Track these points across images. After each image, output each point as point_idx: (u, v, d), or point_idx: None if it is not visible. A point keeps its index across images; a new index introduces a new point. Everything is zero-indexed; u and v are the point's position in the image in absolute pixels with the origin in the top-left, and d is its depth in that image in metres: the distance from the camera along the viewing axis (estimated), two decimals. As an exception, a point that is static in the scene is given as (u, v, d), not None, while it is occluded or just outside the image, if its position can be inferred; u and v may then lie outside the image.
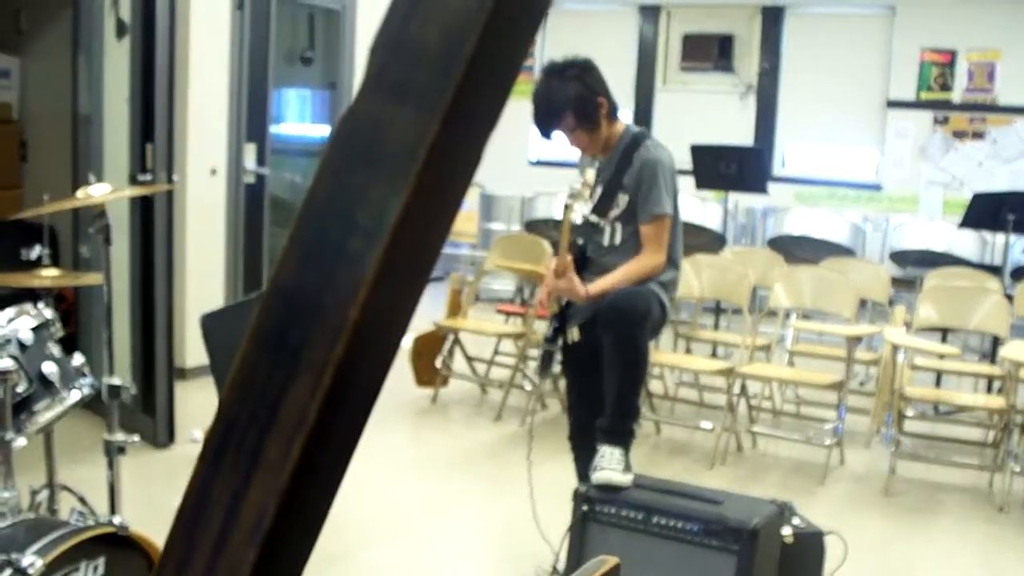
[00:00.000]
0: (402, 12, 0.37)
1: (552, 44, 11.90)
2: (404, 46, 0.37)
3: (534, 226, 9.23)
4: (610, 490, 3.73)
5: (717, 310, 7.63)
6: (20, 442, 2.75)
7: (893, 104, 10.74)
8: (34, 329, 2.86)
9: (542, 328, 6.46)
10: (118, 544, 2.75)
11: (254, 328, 0.37)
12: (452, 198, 0.38)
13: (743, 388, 6.21)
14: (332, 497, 0.40)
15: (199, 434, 5.52)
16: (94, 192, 3.30)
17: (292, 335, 0.35)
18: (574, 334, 4.01)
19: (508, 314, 7.53)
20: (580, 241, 3.99)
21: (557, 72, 3.90)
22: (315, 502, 0.37)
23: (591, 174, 3.83)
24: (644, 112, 11.75)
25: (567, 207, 3.84)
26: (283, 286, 0.36)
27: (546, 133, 3.97)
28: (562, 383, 5.96)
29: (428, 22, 0.36)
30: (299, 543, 0.37)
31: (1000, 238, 7.93)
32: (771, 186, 9.24)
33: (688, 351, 7.07)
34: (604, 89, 3.95)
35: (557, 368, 4.46)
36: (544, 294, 4.09)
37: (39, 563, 2.45)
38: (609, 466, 3.75)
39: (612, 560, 1.08)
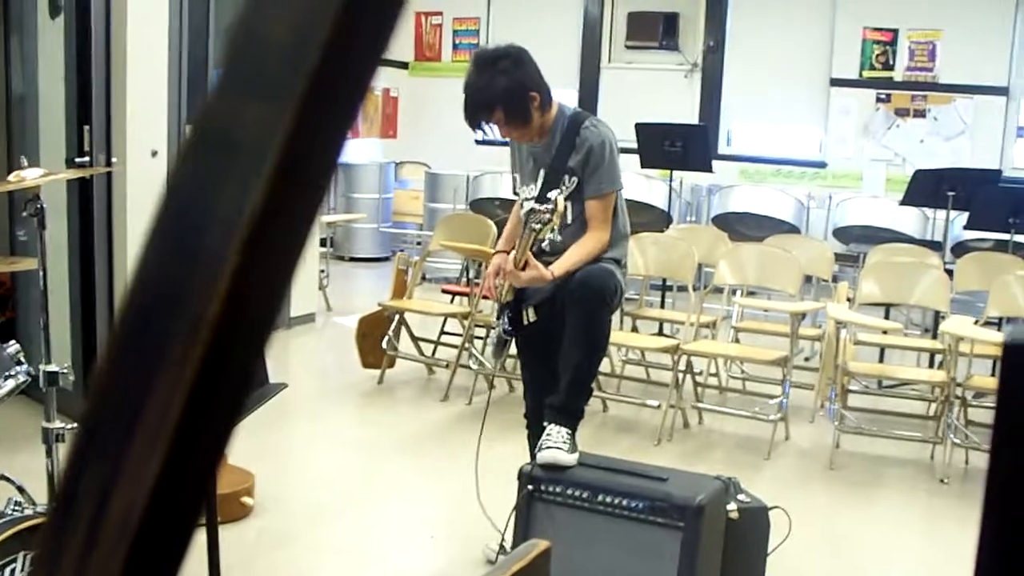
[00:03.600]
0: (252, 4, 0.35)
1: (497, 20, 11.89)
2: (254, 38, 0.35)
3: (479, 205, 9.22)
4: (556, 469, 3.73)
5: (663, 288, 7.66)
6: (-46, 431, 2.70)
7: (836, 82, 10.82)
8: (-34, 315, 2.80)
9: (487, 308, 6.45)
10: (57, 532, 2.71)
11: (118, 323, 0.35)
12: (313, 191, 0.37)
13: (689, 365, 6.24)
14: (203, 492, 0.38)
15: (142, 419, 5.46)
16: (27, 175, 3.24)
17: (153, 331, 0.34)
18: (530, 314, 3.98)
19: (453, 294, 7.51)
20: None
21: (488, 63, 3.75)
22: (186, 498, 0.35)
23: (561, 202, 3.68)
24: (589, 90, 11.75)
25: (534, 231, 3.69)
26: (143, 281, 0.35)
27: (475, 125, 3.86)
28: (510, 363, 5.96)
29: (278, 14, 0.35)
30: (172, 539, 0.36)
31: (941, 214, 8.03)
32: (716, 164, 9.28)
33: (635, 329, 7.09)
34: (536, 82, 3.80)
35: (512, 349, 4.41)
36: (491, 279, 4.03)
37: (-26, 554, 2.41)
38: (555, 445, 3.75)
39: (543, 544, 1.07)
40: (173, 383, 0.33)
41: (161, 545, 0.34)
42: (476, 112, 3.76)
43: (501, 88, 3.69)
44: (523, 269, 3.78)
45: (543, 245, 3.90)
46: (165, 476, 0.33)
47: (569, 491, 3.70)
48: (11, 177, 3.25)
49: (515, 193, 4.16)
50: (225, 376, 0.34)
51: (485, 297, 5.58)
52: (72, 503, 0.35)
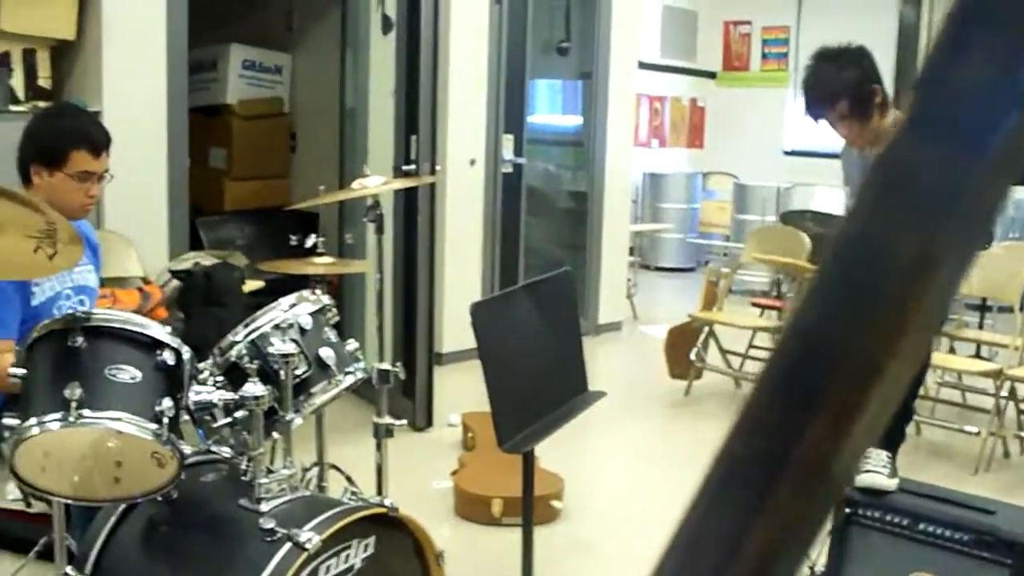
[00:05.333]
0: (948, 47, 0.35)
1: (807, 28, 11.60)
2: (947, 84, 0.35)
3: (790, 218, 9.03)
4: (875, 493, 3.61)
5: (982, 308, 7.27)
6: (297, 422, 2.87)
7: None
8: (312, 314, 2.97)
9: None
10: (387, 524, 2.83)
11: (770, 365, 0.36)
12: (972, 250, 0.37)
13: (1012, 391, 5.90)
14: (817, 535, 0.38)
15: (456, 418, 5.65)
16: (368, 183, 3.42)
17: (811, 376, 0.34)
18: None
19: (763, 307, 7.40)
20: None
21: (832, 57, 3.76)
22: (812, 539, 0.36)
23: None
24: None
25: None
26: (805, 324, 0.35)
27: (816, 117, 3.83)
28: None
29: (979, 61, 0.35)
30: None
31: None
32: (1044, 178, 8.72)
33: (951, 350, 6.77)
34: (880, 78, 3.78)
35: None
36: None
37: (316, 539, 2.54)
38: (875, 468, 3.63)
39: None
40: (830, 431, 0.33)
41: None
42: (820, 104, 3.73)
43: (848, 79, 3.67)
44: None
45: None
46: (808, 519, 0.34)
47: (888, 517, 3.57)
48: (355, 184, 3.45)
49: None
50: (868, 426, 0.34)
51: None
52: (699, 539, 0.36)
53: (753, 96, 11.89)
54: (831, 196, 9.33)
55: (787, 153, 11.66)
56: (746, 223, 10.26)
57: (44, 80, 5.39)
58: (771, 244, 6.85)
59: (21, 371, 2.52)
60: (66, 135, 3.25)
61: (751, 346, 6.92)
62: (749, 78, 12.13)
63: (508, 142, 7.15)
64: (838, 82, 3.69)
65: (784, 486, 0.34)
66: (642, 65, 8.94)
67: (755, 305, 7.61)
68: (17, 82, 5.27)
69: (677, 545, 0.38)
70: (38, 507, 3.91)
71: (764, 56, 12.16)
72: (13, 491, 4.35)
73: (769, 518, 0.34)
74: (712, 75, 12.36)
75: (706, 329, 6.67)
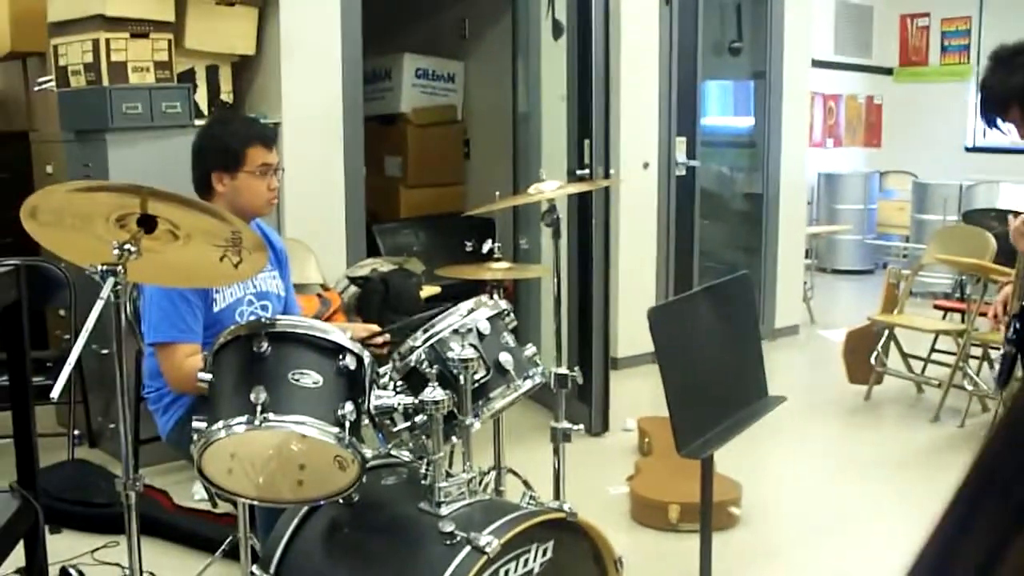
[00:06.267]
0: None
1: (990, 19, 11.17)
2: None
3: (974, 217, 8.71)
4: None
5: None
6: (476, 426, 2.88)
7: None
8: (490, 319, 2.98)
9: (983, 326, 6.07)
10: (566, 529, 2.82)
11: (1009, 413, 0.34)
12: None
13: None
14: None
15: (631, 423, 5.62)
16: (545, 188, 3.43)
17: None
18: None
19: (946, 310, 7.16)
20: None
21: (1004, 59, 3.51)
22: None
23: None
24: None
25: None
26: None
27: (991, 124, 3.66)
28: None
29: None
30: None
31: None
32: None
33: None
34: None
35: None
36: (998, 307, 3.80)
37: (495, 543, 2.55)
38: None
39: None
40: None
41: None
42: (990, 110, 3.57)
43: (1018, 84, 3.48)
44: None
45: None
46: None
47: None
48: (531, 189, 3.46)
49: None
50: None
51: (982, 314, 5.29)
52: (952, 550, 0.34)
53: (933, 91, 11.51)
54: (1017, 193, 8.98)
55: (969, 149, 11.24)
56: (926, 223, 9.95)
57: (226, 94, 5.57)
58: (954, 244, 6.62)
59: (208, 376, 2.59)
60: (239, 136, 3.39)
61: (933, 350, 6.69)
62: (928, 73, 11.75)
63: (681, 144, 7.08)
64: (1007, 88, 3.49)
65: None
66: (816, 63, 8.75)
67: (937, 307, 7.35)
68: (201, 97, 5.46)
69: (925, 562, 0.36)
70: (223, 507, 4.06)
71: (944, 49, 11.75)
72: (200, 491, 4.53)
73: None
74: (889, 71, 12.02)
75: (886, 332, 6.48)
